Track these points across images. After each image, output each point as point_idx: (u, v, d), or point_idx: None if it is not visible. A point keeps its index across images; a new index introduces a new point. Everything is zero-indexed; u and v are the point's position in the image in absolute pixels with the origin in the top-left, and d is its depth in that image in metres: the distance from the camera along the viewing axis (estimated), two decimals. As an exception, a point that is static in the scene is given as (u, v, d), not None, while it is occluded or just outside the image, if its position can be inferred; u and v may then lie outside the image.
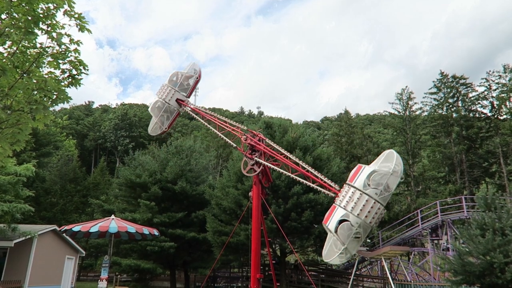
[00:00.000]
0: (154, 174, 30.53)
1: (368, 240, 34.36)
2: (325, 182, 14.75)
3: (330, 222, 13.15)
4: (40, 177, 43.16)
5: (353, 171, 13.42)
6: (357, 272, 29.32)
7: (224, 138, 18.87)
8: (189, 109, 20.63)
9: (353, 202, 12.73)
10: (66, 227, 20.19)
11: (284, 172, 16.29)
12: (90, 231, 19.01)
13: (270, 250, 24.32)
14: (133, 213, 28.84)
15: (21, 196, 20.20)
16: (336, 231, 12.84)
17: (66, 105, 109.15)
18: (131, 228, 19.91)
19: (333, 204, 13.38)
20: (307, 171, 15.54)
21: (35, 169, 21.10)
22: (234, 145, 18.63)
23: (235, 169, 25.97)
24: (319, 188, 14.77)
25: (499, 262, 14.01)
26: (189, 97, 21.08)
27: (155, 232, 22.05)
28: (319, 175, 15.18)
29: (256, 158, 17.54)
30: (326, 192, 14.38)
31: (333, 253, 13.29)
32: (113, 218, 20.34)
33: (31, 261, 20.23)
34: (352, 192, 12.88)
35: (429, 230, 28.85)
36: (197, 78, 20.87)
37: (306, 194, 22.80)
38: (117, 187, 35.08)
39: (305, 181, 15.37)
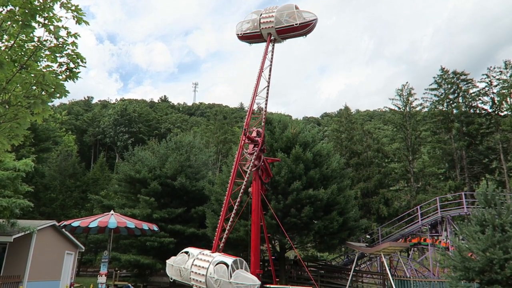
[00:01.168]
0: (154, 170, 30.47)
1: (368, 236, 34.41)
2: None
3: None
4: (39, 172, 43.10)
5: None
6: (356, 268, 29.37)
7: (249, 107, 18.50)
8: (265, 48, 19.07)
9: (203, 254, 14.62)
10: (66, 223, 20.17)
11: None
12: (90, 226, 19.00)
13: (270, 246, 24.33)
14: (132, 209, 28.82)
15: (20, 192, 20.13)
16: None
17: (65, 101, 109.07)
18: (130, 223, 19.89)
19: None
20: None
21: (34, 164, 21.02)
22: (244, 127, 18.44)
23: (235, 164, 25.91)
24: None
25: (499, 258, 13.99)
26: (280, 34, 18.93)
27: (155, 227, 22.04)
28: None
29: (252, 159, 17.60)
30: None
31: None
32: (112, 214, 20.32)
33: (30, 256, 20.19)
34: (209, 256, 14.38)
35: (429, 226, 28.86)
36: (295, 25, 18.36)
37: (305, 190, 22.77)
38: (116, 183, 35.04)
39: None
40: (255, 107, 19.64)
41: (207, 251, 14.99)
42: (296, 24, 18.40)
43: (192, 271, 14.12)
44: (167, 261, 15.81)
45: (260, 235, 18.86)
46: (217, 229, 16.28)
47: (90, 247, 40.16)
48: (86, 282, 28.41)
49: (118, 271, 30.20)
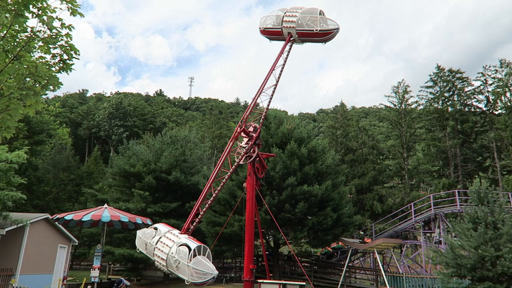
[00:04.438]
0: (149, 164, 30.37)
1: (362, 233, 34.58)
2: None
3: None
4: (32, 165, 42.79)
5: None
6: (349, 264, 29.52)
7: (252, 101, 18.80)
8: (282, 46, 18.98)
9: (171, 233, 15.21)
10: (59, 216, 20.08)
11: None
12: (83, 219, 18.93)
13: (264, 241, 24.39)
14: (127, 203, 28.73)
15: (13, 184, 19.92)
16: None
17: (60, 93, 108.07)
18: (124, 217, 19.85)
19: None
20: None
21: (27, 157, 20.85)
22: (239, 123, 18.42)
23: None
24: None
25: (490, 255, 14.12)
26: (300, 37, 18.75)
27: (149, 221, 22.00)
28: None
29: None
30: None
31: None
32: (106, 207, 20.25)
33: (23, 249, 20.07)
34: (175, 237, 14.93)
35: (422, 223, 29.06)
36: (315, 31, 18.20)
37: (300, 186, 22.79)
38: (111, 177, 34.90)
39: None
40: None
41: (176, 231, 15.27)
42: (316, 30, 18.16)
43: (157, 247, 14.60)
44: (137, 231, 16.24)
45: (254, 230, 18.89)
46: (191, 212, 16.64)
47: (84, 240, 40.01)
48: (80, 276, 28.35)
49: (112, 265, 30.15)
